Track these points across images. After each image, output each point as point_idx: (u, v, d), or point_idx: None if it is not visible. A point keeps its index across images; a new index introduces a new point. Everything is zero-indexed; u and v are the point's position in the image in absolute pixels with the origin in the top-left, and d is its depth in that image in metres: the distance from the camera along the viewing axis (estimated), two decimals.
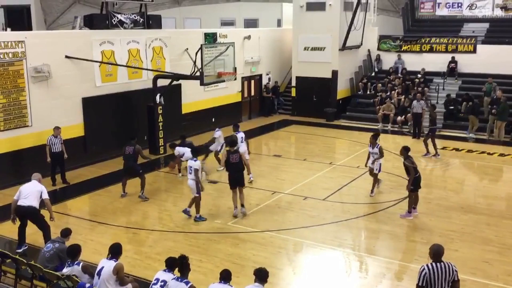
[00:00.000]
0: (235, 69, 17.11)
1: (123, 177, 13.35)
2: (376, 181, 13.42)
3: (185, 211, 11.83)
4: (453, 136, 19.86)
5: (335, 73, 23.26)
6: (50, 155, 13.79)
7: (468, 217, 11.92)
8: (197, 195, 11.64)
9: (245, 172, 12.25)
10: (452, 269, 6.44)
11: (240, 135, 14.44)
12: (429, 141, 17.12)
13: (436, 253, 6.51)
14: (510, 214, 12.11)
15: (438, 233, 10.89)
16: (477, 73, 22.74)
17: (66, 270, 7.38)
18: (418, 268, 6.60)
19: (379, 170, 13.30)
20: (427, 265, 6.45)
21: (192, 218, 11.75)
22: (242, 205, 11.96)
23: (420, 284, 6.42)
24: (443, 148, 18.32)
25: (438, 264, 6.43)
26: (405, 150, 12.03)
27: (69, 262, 7.47)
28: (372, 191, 13.30)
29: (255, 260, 9.57)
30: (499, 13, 27.17)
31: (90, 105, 16.14)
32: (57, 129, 13.95)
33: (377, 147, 13.29)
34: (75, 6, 26.01)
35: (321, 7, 22.93)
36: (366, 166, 13.77)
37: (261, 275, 6.74)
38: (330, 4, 22.76)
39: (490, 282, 8.93)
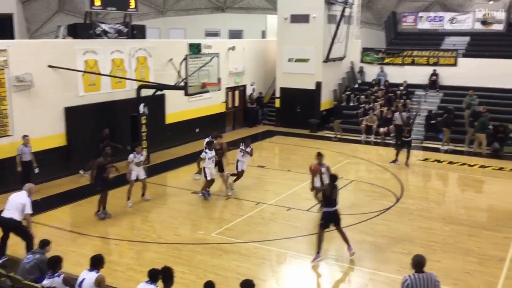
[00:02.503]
0: (219, 79, 17.12)
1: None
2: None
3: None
4: (435, 148, 20.10)
5: (319, 85, 23.45)
6: (21, 164, 13.60)
7: (449, 228, 12.04)
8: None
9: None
10: (434, 279, 6.49)
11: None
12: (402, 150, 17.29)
13: (418, 263, 6.56)
14: (491, 225, 12.27)
15: (420, 244, 10.98)
16: (458, 86, 23.08)
17: (46, 282, 7.26)
18: (400, 279, 6.64)
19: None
20: (409, 276, 6.49)
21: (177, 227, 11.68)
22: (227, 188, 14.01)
23: None
24: (425, 159, 18.54)
25: (420, 274, 6.48)
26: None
27: (49, 274, 7.34)
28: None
29: (239, 271, 9.54)
30: (479, 27, 27.69)
31: (73, 114, 16.00)
32: (25, 137, 13.80)
33: (325, 167, 12.36)
34: (59, 15, 25.84)
35: (305, 19, 23.16)
36: (312, 190, 12.51)
37: (245, 286, 6.69)
38: (314, 17, 23.00)
39: None
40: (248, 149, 14.50)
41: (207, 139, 14.57)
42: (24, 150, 13.72)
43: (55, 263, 7.38)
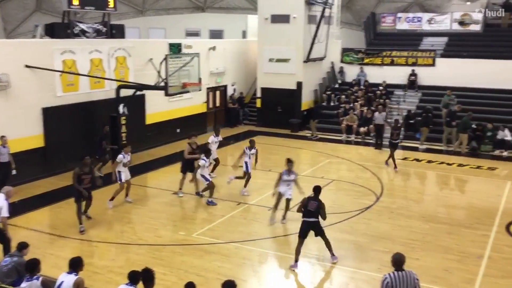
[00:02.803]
0: (200, 79, 17.07)
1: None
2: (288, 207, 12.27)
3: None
4: (414, 147, 20.33)
5: (299, 85, 23.52)
6: None
7: (429, 226, 12.18)
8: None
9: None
10: (414, 277, 6.56)
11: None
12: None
13: (398, 261, 6.62)
14: (470, 223, 12.45)
15: (400, 242, 11.08)
16: (436, 86, 23.41)
17: (24, 285, 7.13)
18: (380, 277, 6.69)
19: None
20: (389, 274, 6.55)
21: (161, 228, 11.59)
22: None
23: None
24: (404, 158, 18.73)
25: (400, 272, 6.54)
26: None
27: (27, 277, 7.22)
28: (284, 217, 12.24)
29: (220, 272, 9.51)
30: (457, 27, 28.09)
31: (51, 115, 15.78)
32: (3, 138, 13.59)
33: (294, 174, 12.14)
34: (36, 15, 25.46)
35: (285, 19, 23.21)
36: (274, 195, 12.21)
37: (227, 287, 6.66)
38: (294, 17, 23.07)
39: None
40: (253, 151, 14.34)
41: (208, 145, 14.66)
42: (2, 151, 13.53)
43: (33, 266, 7.27)
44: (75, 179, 11.42)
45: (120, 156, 13.03)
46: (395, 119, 18.16)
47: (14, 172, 13.75)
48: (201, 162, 13.41)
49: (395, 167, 16.99)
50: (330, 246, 10.13)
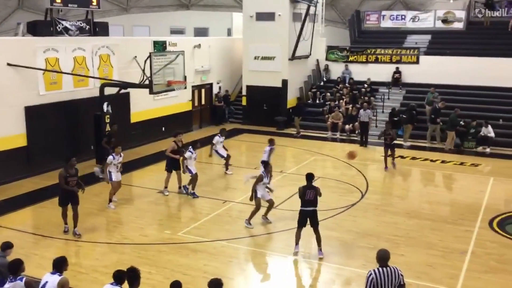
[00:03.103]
0: (185, 77, 16.99)
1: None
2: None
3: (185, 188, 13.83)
4: (398, 144, 20.44)
5: (285, 82, 23.56)
6: None
7: (413, 222, 12.29)
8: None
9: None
10: (398, 273, 6.61)
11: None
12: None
13: (382, 258, 6.67)
14: (453, 219, 12.59)
15: (384, 239, 11.17)
16: (420, 83, 23.61)
17: (8, 286, 7.04)
18: (366, 273, 6.73)
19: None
20: (374, 270, 6.59)
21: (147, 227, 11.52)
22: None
23: None
24: (389, 155, 18.82)
25: (384, 268, 6.58)
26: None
27: (11, 278, 7.13)
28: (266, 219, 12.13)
29: (206, 270, 9.49)
30: (440, 25, 28.34)
31: (34, 114, 15.59)
32: None
33: (271, 178, 12.14)
34: (18, 12, 25.08)
35: (270, 17, 23.22)
36: (251, 200, 11.90)
37: (213, 285, 6.64)
38: (279, 15, 23.09)
39: (434, 285, 9.23)
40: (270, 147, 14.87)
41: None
42: None
43: (16, 267, 7.17)
44: (63, 181, 11.04)
45: (110, 158, 12.83)
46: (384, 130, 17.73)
47: None
48: (187, 154, 13.63)
49: (392, 166, 16.87)
50: (320, 242, 10.27)
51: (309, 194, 10.09)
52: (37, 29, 16.58)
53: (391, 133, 16.86)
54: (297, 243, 10.35)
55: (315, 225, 10.25)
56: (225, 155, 16.13)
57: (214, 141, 15.96)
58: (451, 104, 20.82)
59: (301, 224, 10.25)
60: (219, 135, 16.12)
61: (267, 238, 11.35)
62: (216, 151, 16.06)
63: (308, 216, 10.17)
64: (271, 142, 15.06)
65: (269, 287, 9.35)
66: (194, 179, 13.81)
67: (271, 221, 12.07)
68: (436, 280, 9.43)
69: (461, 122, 19.87)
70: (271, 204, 12.03)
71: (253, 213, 11.80)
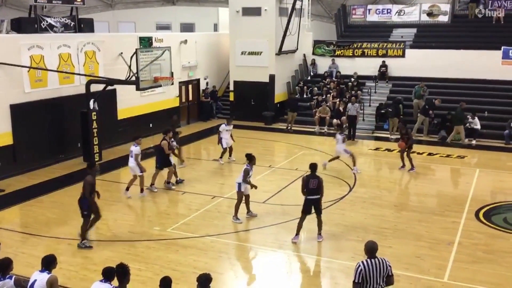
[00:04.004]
0: (172, 73, 16.93)
1: None
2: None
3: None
4: (385, 138, 20.61)
5: (272, 77, 23.56)
6: None
7: (400, 214, 12.41)
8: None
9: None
10: (386, 264, 6.68)
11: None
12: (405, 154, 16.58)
13: (370, 249, 6.73)
14: (440, 211, 12.72)
15: (373, 231, 11.26)
16: (406, 77, 23.77)
17: None
18: (354, 266, 6.79)
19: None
20: (362, 262, 6.65)
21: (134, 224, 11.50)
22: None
23: (356, 280, 6.60)
24: (376, 149, 19.00)
25: (372, 260, 6.64)
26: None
27: (0, 277, 7.09)
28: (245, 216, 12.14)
29: (196, 266, 9.51)
30: (425, 19, 28.52)
31: (19, 112, 15.45)
32: None
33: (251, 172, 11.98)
34: (1, 9, 24.78)
35: (256, 12, 23.19)
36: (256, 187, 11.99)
37: (202, 280, 6.67)
38: (265, 9, 23.07)
39: (422, 276, 9.34)
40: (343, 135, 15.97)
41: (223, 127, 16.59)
42: None
43: (5, 266, 7.11)
44: (88, 190, 10.29)
45: (137, 149, 13.44)
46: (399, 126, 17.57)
47: None
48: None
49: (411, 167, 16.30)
50: (321, 227, 10.78)
51: (312, 183, 10.53)
52: (21, 26, 16.41)
53: (408, 131, 16.51)
54: (297, 233, 10.70)
55: (318, 212, 10.72)
56: (225, 146, 16.74)
57: (220, 129, 16.80)
58: (438, 97, 21.00)
59: (305, 212, 10.63)
60: (226, 123, 16.90)
61: (256, 233, 11.39)
62: (220, 139, 16.71)
63: (312, 203, 10.60)
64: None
65: (259, 281, 9.39)
66: (171, 171, 14.25)
67: (256, 214, 12.12)
68: (424, 271, 9.54)
69: (468, 116, 19.83)
70: (247, 198, 12.03)
71: (236, 207, 11.86)
